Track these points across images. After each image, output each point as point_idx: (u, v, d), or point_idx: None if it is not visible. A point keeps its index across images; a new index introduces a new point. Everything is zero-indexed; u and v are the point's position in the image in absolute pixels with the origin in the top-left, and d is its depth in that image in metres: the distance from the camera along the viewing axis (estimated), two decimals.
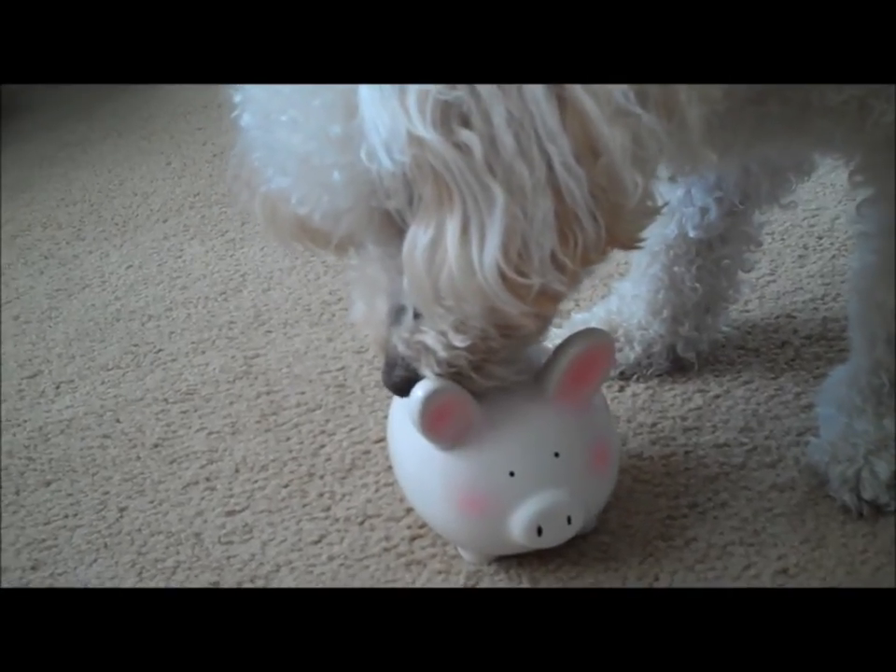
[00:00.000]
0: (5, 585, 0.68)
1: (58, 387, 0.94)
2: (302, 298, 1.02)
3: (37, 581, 0.70)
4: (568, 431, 0.61)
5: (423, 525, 0.68)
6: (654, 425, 0.75)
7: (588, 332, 0.61)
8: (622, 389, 0.79)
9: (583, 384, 0.61)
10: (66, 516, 0.76)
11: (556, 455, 0.60)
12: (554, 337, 0.81)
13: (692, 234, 0.77)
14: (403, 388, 0.58)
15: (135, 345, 0.99)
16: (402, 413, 0.62)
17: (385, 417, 0.73)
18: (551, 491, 0.59)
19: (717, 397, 0.77)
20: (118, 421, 0.86)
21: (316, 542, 0.69)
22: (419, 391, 0.58)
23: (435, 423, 0.59)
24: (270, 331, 0.97)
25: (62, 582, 0.69)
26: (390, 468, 0.72)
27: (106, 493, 0.78)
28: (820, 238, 0.94)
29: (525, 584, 0.63)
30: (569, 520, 0.60)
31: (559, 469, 0.60)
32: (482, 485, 0.60)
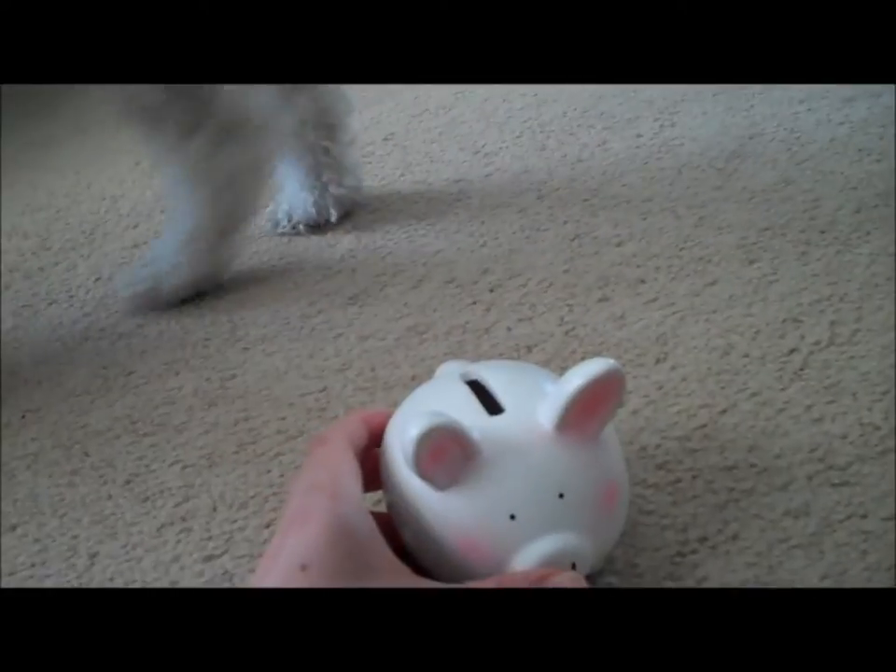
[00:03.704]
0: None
1: (23, 417, 0.89)
2: (280, 311, 0.97)
3: None
4: (574, 470, 0.56)
5: None
6: (658, 447, 0.70)
7: (595, 363, 0.55)
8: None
9: (591, 418, 0.56)
10: (34, 565, 0.71)
11: (561, 496, 0.55)
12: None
13: None
14: None
15: (105, 367, 0.94)
16: (393, 448, 0.58)
17: None
18: (554, 535, 0.54)
19: (723, 412, 0.72)
20: (86, 455, 0.81)
21: None
22: (413, 429, 0.53)
23: (431, 463, 0.54)
24: (246, 348, 0.92)
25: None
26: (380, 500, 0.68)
27: (76, 537, 0.73)
28: (823, 232, 0.90)
29: None
30: (574, 566, 0.55)
31: (564, 512, 0.55)
32: (480, 529, 0.55)
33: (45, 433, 0.86)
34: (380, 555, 0.52)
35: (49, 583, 0.69)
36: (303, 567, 0.48)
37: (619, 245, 0.96)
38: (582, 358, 0.80)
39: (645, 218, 1.00)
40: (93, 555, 0.71)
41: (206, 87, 0.96)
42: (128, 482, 0.77)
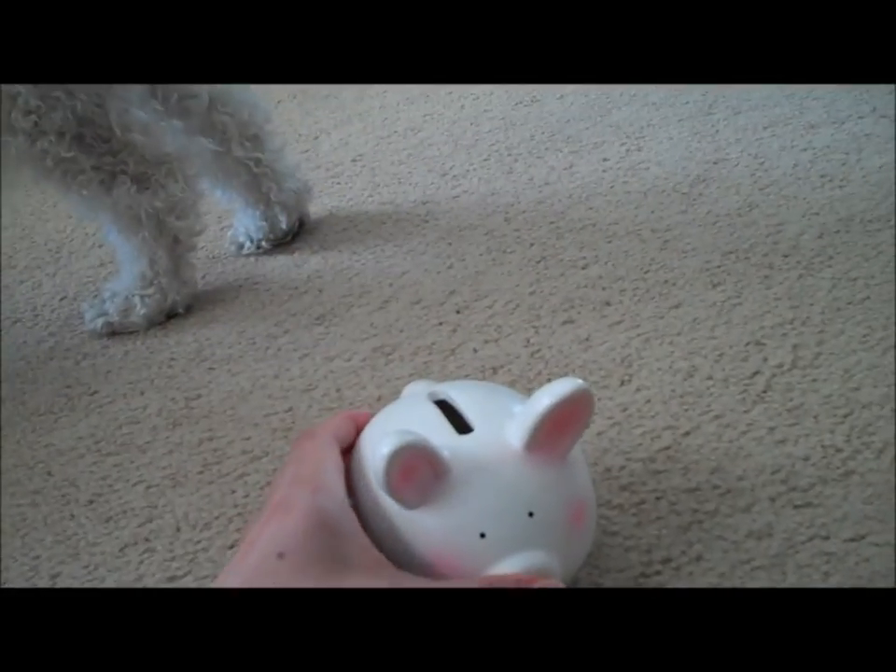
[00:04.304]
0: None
1: None
2: (246, 331, 0.97)
3: None
4: (544, 489, 0.56)
5: None
6: (622, 468, 0.71)
7: (564, 382, 0.56)
8: None
9: (559, 438, 0.56)
10: None
11: (531, 514, 0.55)
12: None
13: None
14: None
15: (69, 387, 0.93)
16: (362, 469, 0.58)
17: None
18: (524, 553, 0.54)
19: (686, 434, 0.73)
20: (49, 474, 0.81)
21: None
22: (384, 447, 0.53)
23: (401, 481, 0.54)
24: (212, 368, 0.92)
25: None
26: None
27: (37, 557, 0.72)
28: (786, 256, 0.91)
29: None
30: None
31: (533, 530, 0.55)
32: (451, 547, 0.55)
33: (8, 452, 0.85)
34: (360, 550, 0.52)
35: None
36: (280, 555, 0.48)
37: (584, 267, 0.96)
38: (548, 380, 0.80)
39: (610, 241, 1.00)
40: (55, 576, 0.70)
41: (116, 137, 0.97)
42: (91, 501, 0.77)
